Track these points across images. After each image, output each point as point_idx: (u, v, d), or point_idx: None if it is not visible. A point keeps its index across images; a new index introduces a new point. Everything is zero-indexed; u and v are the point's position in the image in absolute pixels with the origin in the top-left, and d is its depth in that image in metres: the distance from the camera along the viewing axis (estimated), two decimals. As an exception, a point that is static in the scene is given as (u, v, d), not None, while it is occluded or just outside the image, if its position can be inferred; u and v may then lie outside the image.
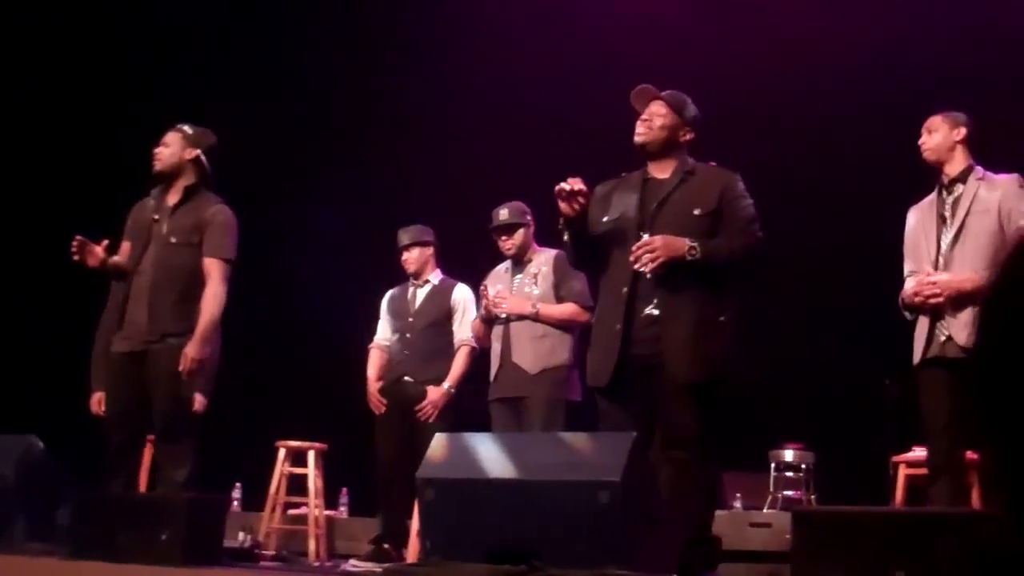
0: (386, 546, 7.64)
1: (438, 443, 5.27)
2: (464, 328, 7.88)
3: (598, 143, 7.97)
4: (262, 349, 8.39)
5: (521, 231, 7.45)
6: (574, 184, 5.41)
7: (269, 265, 10.46)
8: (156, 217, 6.71)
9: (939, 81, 9.01)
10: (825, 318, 9.61)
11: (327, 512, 9.27)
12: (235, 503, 9.86)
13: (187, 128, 6.83)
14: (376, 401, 7.89)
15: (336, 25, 11.95)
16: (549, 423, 6.99)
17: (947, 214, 5.91)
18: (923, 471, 6.35)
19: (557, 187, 5.44)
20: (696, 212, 5.44)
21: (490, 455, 4.99)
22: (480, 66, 10.94)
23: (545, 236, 7.19)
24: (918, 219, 6.07)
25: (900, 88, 9.62)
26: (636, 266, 5.34)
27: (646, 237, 5.40)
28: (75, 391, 7.59)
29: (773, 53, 10.11)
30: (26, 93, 11.45)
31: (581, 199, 5.42)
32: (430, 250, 8.12)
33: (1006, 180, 5.86)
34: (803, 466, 9.17)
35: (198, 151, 6.77)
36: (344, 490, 9.99)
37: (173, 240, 6.61)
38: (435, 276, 8.08)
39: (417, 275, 8.09)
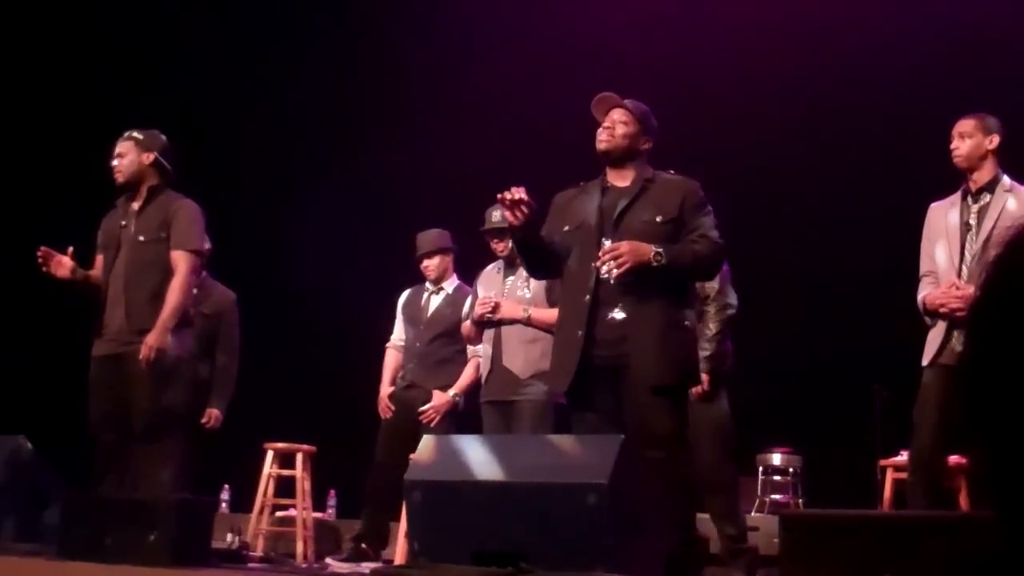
0: (364, 546, 7.66)
1: (426, 445, 5.28)
2: None
3: (591, 145, 7.97)
4: (250, 351, 8.36)
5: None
6: (516, 193, 5.43)
7: (258, 268, 10.46)
8: (124, 223, 6.74)
9: (936, 82, 9.03)
10: (814, 323, 9.62)
11: (315, 514, 9.25)
12: (223, 505, 9.84)
13: (137, 134, 6.84)
14: (385, 407, 7.90)
15: (331, 27, 11.95)
16: (539, 427, 6.96)
17: (972, 222, 5.82)
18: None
19: (499, 196, 5.47)
20: (658, 219, 5.47)
21: (478, 457, 5.00)
22: (475, 68, 10.95)
23: None
24: (940, 220, 5.95)
25: (894, 90, 9.63)
26: (603, 272, 5.36)
27: (608, 243, 5.42)
28: (64, 392, 7.58)
29: (767, 52, 10.12)
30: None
31: (524, 208, 5.44)
32: (450, 257, 8.08)
33: None
34: (791, 470, 9.18)
35: (154, 153, 6.80)
36: (332, 492, 9.98)
37: (142, 239, 6.66)
38: (451, 284, 8.03)
39: (436, 282, 8.06)
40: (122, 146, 6.82)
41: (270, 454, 8.92)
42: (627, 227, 5.46)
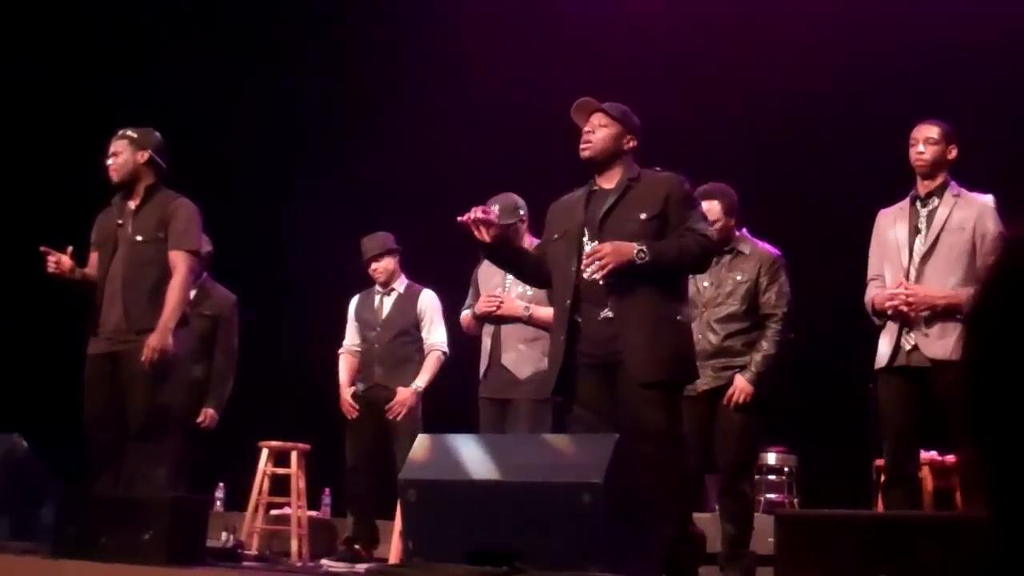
0: (356, 547, 7.68)
1: (421, 444, 5.28)
2: (433, 334, 7.96)
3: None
4: (245, 350, 8.36)
5: (514, 227, 7.26)
6: (475, 212, 5.48)
7: (253, 267, 10.45)
8: (120, 222, 6.74)
9: (920, 81, 9.05)
10: (807, 321, 9.61)
11: (309, 513, 9.26)
12: (218, 503, 9.85)
13: (131, 132, 6.84)
14: (348, 407, 7.96)
15: (328, 27, 11.94)
16: (535, 427, 6.96)
17: (921, 226, 5.98)
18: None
19: (459, 219, 5.51)
20: (642, 216, 5.47)
21: (472, 456, 5.00)
22: (467, 68, 10.94)
23: (539, 233, 7.12)
24: (889, 225, 6.12)
25: (884, 90, 9.65)
26: (586, 275, 5.37)
27: (592, 246, 5.44)
28: (59, 390, 7.57)
29: (761, 51, 10.13)
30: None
31: (487, 226, 5.49)
32: (397, 258, 8.14)
33: (981, 201, 5.96)
34: (786, 469, 9.17)
35: (148, 151, 6.79)
36: (327, 490, 9.98)
37: (139, 239, 6.66)
38: (400, 284, 8.11)
39: (385, 284, 8.10)
40: (116, 145, 6.82)
41: (265, 452, 8.92)
42: (611, 228, 5.47)
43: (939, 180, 6.02)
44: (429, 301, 8.04)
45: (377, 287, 8.15)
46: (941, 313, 5.74)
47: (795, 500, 9.05)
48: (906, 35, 9.80)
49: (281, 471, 8.98)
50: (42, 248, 6.66)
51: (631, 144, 5.71)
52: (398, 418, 7.74)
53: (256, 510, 8.90)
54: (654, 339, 5.34)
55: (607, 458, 4.65)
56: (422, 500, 5.00)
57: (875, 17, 10.12)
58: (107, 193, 6.97)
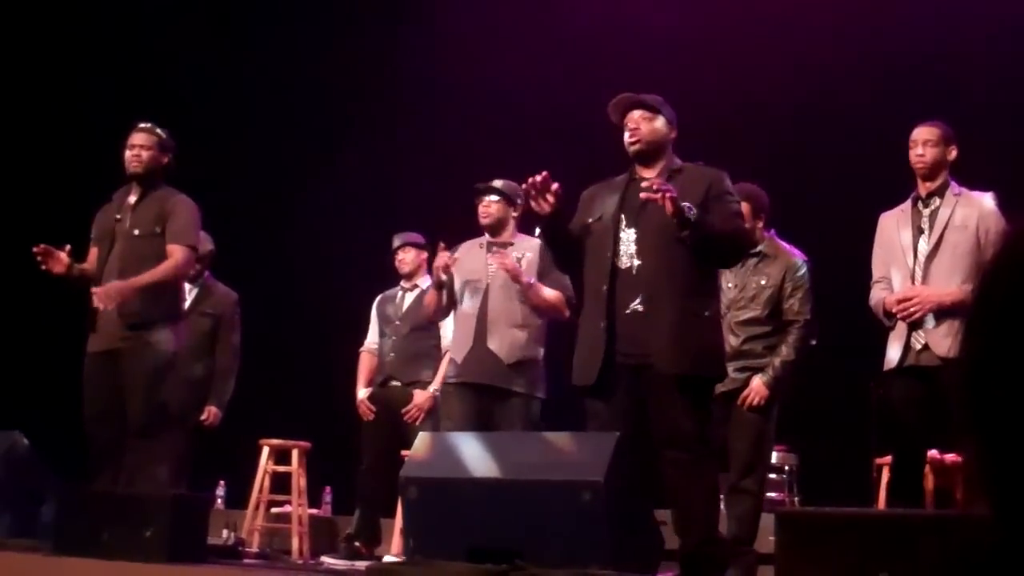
0: (357, 544, 7.67)
1: (421, 442, 5.28)
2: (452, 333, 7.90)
3: (587, 144, 7.98)
4: (247, 348, 8.37)
5: (504, 205, 7.18)
6: (543, 177, 5.42)
7: (254, 265, 10.45)
8: (118, 217, 6.75)
9: (926, 83, 9.05)
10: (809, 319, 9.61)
11: (310, 510, 9.25)
12: (219, 501, 9.84)
13: (159, 131, 6.85)
14: (365, 408, 7.91)
15: (328, 24, 11.94)
16: (529, 421, 6.89)
17: (924, 226, 6.01)
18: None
19: (526, 184, 5.44)
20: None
21: (473, 454, 5.01)
22: (476, 66, 10.93)
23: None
24: (892, 227, 6.15)
25: (889, 91, 9.64)
26: (644, 195, 5.26)
27: (627, 235, 5.43)
28: (59, 387, 7.57)
29: (761, 51, 10.12)
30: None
31: (550, 196, 5.43)
32: (424, 254, 8.09)
33: (982, 199, 5.99)
34: (786, 467, 9.16)
35: (169, 155, 6.83)
36: (327, 489, 9.98)
37: (136, 233, 6.67)
38: (424, 280, 8.04)
39: (410, 277, 8.08)
40: (143, 138, 6.81)
41: (266, 450, 8.92)
42: (650, 216, 5.39)
43: (940, 181, 6.05)
44: None
45: (402, 283, 8.12)
46: (949, 311, 5.77)
47: (796, 498, 9.05)
48: (910, 34, 9.79)
49: (282, 469, 8.98)
50: (40, 246, 6.64)
51: (672, 135, 5.72)
52: (416, 422, 7.68)
53: (257, 508, 8.89)
54: (681, 333, 5.29)
55: (608, 456, 4.65)
56: (423, 498, 5.01)
57: (879, 17, 10.11)
58: (108, 188, 6.97)
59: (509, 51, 10.70)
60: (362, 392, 8.00)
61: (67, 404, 7.22)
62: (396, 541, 7.56)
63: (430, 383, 7.77)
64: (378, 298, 8.25)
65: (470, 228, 7.38)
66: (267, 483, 8.93)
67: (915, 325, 5.89)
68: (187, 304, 7.54)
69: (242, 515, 8.94)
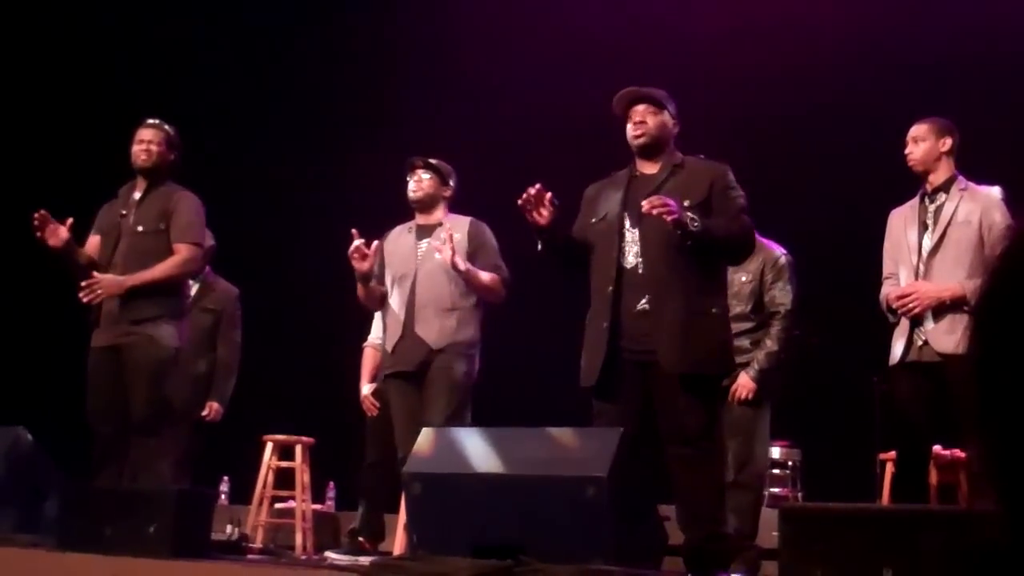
0: (361, 540, 7.66)
1: (425, 438, 5.28)
2: None
3: (590, 142, 7.97)
4: (250, 343, 8.37)
5: (436, 182, 7.05)
6: (537, 189, 5.40)
7: (258, 261, 10.45)
8: (123, 213, 6.75)
9: (933, 79, 9.04)
10: (812, 315, 9.61)
11: (314, 506, 9.26)
12: (222, 496, 9.85)
13: (168, 128, 6.86)
14: (369, 404, 7.87)
15: (331, 21, 11.94)
16: (452, 401, 6.68)
17: (929, 222, 6.02)
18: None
19: (520, 199, 5.42)
20: (686, 203, 5.39)
21: (477, 450, 5.01)
22: (477, 63, 10.93)
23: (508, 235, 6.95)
24: (900, 224, 6.16)
25: (892, 86, 9.63)
26: (644, 208, 5.23)
27: (631, 234, 5.41)
28: (62, 383, 7.57)
29: (768, 49, 10.12)
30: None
31: (548, 205, 5.41)
32: None
33: (987, 193, 5.99)
34: (790, 463, 9.17)
35: (176, 153, 6.83)
36: (331, 484, 9.99)
37: (140, 229, 6.67)
38: None
39: None
40: (152, 133, 6.82)
41: (269, 446, 8.92)
42: (653, 216, 5.35)
43: (944, 175, 6.04)
44: None
45: None
46: (949, 306, 5.77)
47: (799, 494, 9.05)
48: (915, 34, 9.79)
49: (285, 464, 8.98)
50: (40, 212, 6.58)
51: (676, 129, 5.72)
52: None
53: (260, 503, 8.90)
54: (687, 332, 5.29)
55: (611, 452, 4.65)
56: (427, 493, 5.01)
57: (884, 17, 10.11)
58: (112, 184, 6.97)
59: (514, 48, 10.70)
60: (366, 388, 7.96)
61: (70, 399, 7.22)
62: (400, 537, 7.56)
63: None
64: None
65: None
66: (271, 479, 8.93)
67: (917, 321, 5.90)
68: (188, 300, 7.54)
69: (246, 511, 8.95)
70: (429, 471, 5.07)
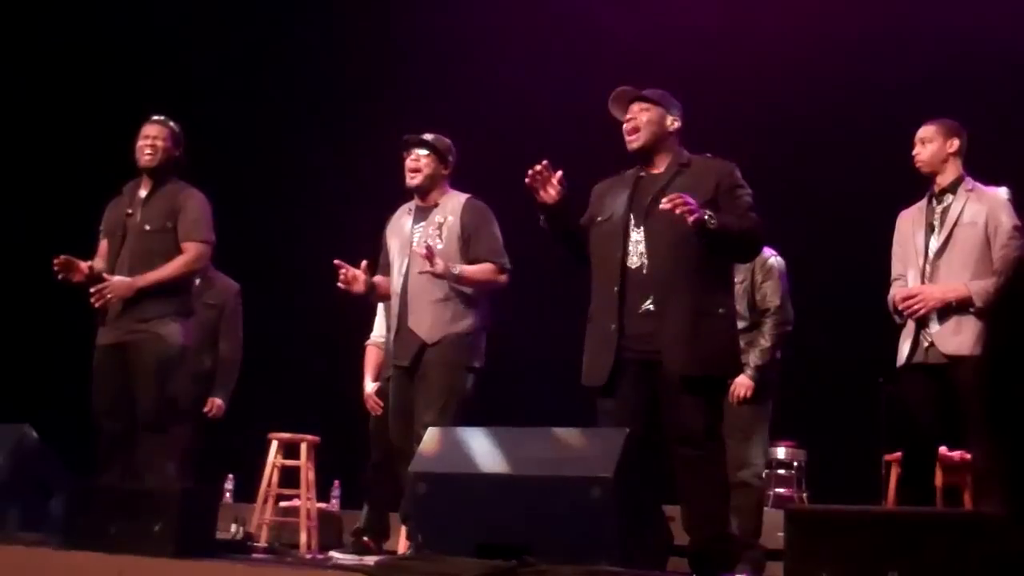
0: (366, 539, 7.65)
1: (431, 437, 5.27)
2: None
3: (594, 141, 7.95)
4: (255, 341, 8.38)
5: (435, 161, 6.80)
6: (543, 165, 5.37)
7: (262, 258, 10.45)
8: (129, 211, 6.75)
9: (937, 82, 9.04)
10: (818, 316, 9.61)
11: (319, 504, 9.26)
12: (227, 495, 9.86)
13: (172, 124, 6.86)
14: (373, 403, 7.85)
15: (334, 16, 11.93)
16: (449, 389, 6.47)
17: (936, 223, 6.02)
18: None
19: (527, 177, 5.38)
20: None
21: (483, 449, 5.00)
22: (480, 61, 10.93)
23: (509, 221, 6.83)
24: (907, 225, 6.17)
25: (897, 87, 9.63)
26: (662, 204, 5.20)
27: (636, 234, 5.40)
28: (68, 380, 7.57)
29: (770, 50, 10.11)
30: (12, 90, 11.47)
31: (556, 184, 5.38)
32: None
33: (993, 194, 5.99)
34: (795, 464, 9.18)
35: (181, 150, 6.84)
36: (336, 483, 9.99)
37: (147, 228, 6.68)
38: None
39: None
40: (156, 130, 6.82)
41: (274, 444, 8.92)
42: (660, 214, 5.32)
43: (951, 176, 6.04)
44: None
45: None
46: (955, 308, 5.76)
47: (804, 495, 9.05)
48: (925, 33, 9.78)
49: (290, 463, 8.98)
50: (61, 258, 6.61)
51: (675, 125, 5.66)
52: None
53: (265, 502, 8.90)
54: (693, 334, 5.27)
55: (617, 452, 4.64)
56: (432, 493, 5.00)
57: (889, 17, 10.10)
58: (116, 182, 6.97)
59: (518, 46, 10.70)
60: (369, 386, 7.96)
61: (76, 397, 7.23)
62: (404, 536, 7.56)
63: None
64: None
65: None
66: (275, 477, 8.93)
67: (923, 322, 5.90)
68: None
69: (250, 509, 8.95)
70: (434, 470, 5.07)
